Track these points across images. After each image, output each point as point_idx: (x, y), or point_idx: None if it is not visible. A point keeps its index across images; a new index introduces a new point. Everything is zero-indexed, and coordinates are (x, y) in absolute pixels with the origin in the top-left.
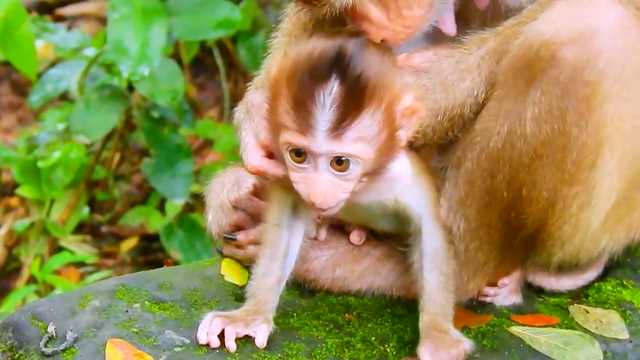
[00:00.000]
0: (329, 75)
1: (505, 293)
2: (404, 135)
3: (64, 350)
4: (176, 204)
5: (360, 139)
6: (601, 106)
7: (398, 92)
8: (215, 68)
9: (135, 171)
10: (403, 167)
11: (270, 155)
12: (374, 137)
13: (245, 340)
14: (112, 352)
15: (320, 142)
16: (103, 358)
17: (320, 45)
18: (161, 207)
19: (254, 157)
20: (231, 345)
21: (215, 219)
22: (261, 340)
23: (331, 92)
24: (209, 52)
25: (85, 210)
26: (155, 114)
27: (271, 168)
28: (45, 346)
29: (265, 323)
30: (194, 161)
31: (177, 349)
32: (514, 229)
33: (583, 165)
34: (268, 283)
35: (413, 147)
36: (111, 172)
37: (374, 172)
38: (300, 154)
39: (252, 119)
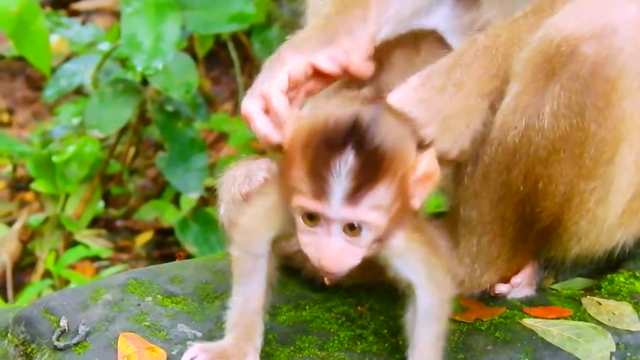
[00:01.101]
0: (345, 146)
1: (518, 287)
2: (418, 201)
3: (76, 344)
4: (190, 197)
5: (376, 208)
6: (620, 102)
7: (413, 162)
8: (229, 62)
9: (149, 165)
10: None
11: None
12: (388, 205)
13: None
14: (124, 346)
15: (336, 208)
16: (115, 352)
17: (337, 112)
18: (176, 201)
19: (251, 102)
20: None
21: (226, 212)
22: None
23: (347, 162)
24: (224, 45)
25: (100, 204)
26: (169, 107)
27: (260, 122)
28: (58, 340)
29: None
30: (208, 155)
31: (189, 342)
32: (528, 223)
33: (601, 160)
34: (252, 309)
35: None
36: (126, 166)
37: (384, 238)
38: (312, 217)
39: (271, 69)
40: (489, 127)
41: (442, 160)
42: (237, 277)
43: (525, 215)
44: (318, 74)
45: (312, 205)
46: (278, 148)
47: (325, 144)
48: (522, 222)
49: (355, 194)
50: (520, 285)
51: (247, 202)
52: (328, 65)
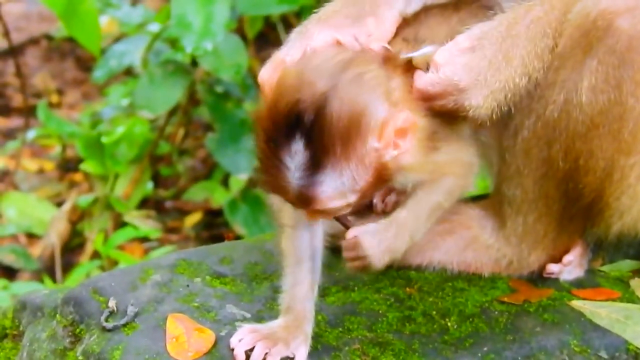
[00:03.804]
0: (291, 139)
1: (569, 268)
2: (400, 153)
3: (124, 325)
4: (240, 178)
5: (335, 197)
6: None
7: (377, 126)
8: (279, 43)
9: (199, 146)
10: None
11: None
12: (351, 187)
13: None
14: (173, 327)
15: (297, 205)
16: (164, 332)
17: (291, 90)
18: (225, 182)
19: (269, 71)
20: None
21: None
22: None
23: (294, 156)
24: (273, 26)
25: (149, 185)
26: (219, 88)
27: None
28: (106, 321)
29: (304, 344)
30: None
31: (238, 324)
32: (571, 200)
33: None
34: (301, 292)
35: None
36: (175, 147)
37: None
38: None
39: (296, 41)
40: (528, 100)
41: (474, 117)
42: (285, 255)
43: (568, 192)
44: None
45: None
46: None
47: (279, 126)
48: (566, 199)
49: (308, 191)
50: (570, 266)
51: None
52: (353, 44)
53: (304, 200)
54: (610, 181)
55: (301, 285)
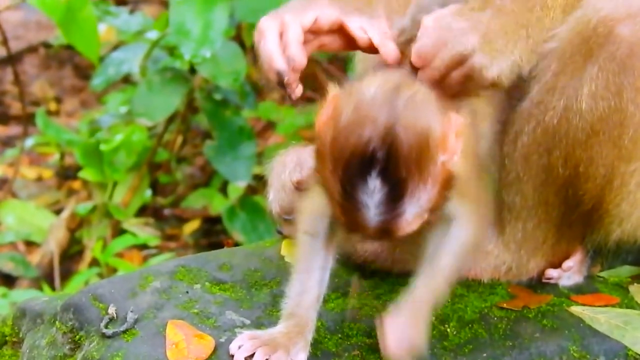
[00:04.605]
0: (370, 174)
1: (569, 274)
2: (456, 159)
3: (124, 332)
4: (238, 186)
5: (413, 220)
6: None
7: (440, 139)
8: None
9: (197, 153)
10: None
11: None
12: (426, 207)
13: None
14: (173, 333)
15: (373, 236)
16: (163, 339)
17: (363, 124)
18: (223, 189)
19: (270, 22)
20: None
21: (276, 198)
22: None
23: (374, 191)
24: None
25: (148, 192)
26: (217, 96)
27: (271, 42)
28: (106, 327)
29: (304, 351)
30: (256, 143)
31: (238, 330)
32: (571, 207)
33: None
34: (307, 301)
35: None
36: (173, 154)
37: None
38: None
39: (300, 3)
40: (528, 104)
41: (480, 78)
42: (297, 261)
43: (568, 199)
44: (341, 34)
45: (349, 231)
46: (278, 76)
47: (353, 168)
48: (565, 205)
49: (390, 224)
50: (570, 272)
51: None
52: (359, 33)
53: (385, 233)
54: (610, 188)
55: (308, 293)
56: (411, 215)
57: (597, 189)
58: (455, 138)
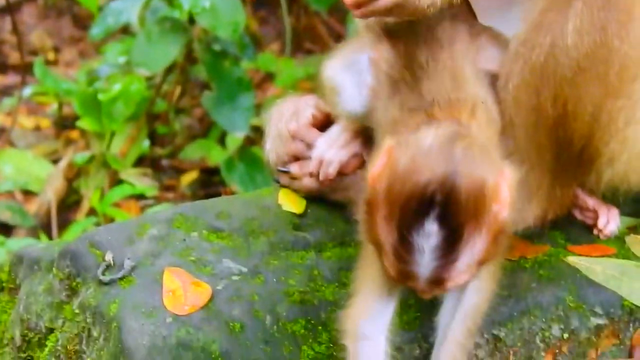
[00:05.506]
0: (427, 220)
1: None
2: (507, 212)
3: (121, 278)
4: (237, 137)
5: (466, 270)
6: None
7: (494, 190)
8: (277, 2)
9: (195, 104)
10: None
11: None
12: (478, 259)
13: (302, 272)
14: (170, 280)
15: (424, 286)
16: (160, 286)
17: (420, 173)
18: (222, 140)
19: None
20: None
21: (273, 147)
22: None
23: (430, 239)
24: None
25: (146, 143)
26: (216, 47)
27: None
28: (103, 274)
29: None
30: (255, 95)
31: (235, 278)
32: (563, 148)
33: (626, 77)
34: None
35: None
36: (172, 105)
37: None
38: None
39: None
40: (516, 43)
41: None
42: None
43: (559, 140)
44: None
45: (399, 281)
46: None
47: (410, 210)
48: (557, 147)
49: (442, 272)
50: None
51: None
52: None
53: (436, 282)
54: (598, 125)
55: None
56: (464, 265)
57: (586, 128)
58: (508, 191)
